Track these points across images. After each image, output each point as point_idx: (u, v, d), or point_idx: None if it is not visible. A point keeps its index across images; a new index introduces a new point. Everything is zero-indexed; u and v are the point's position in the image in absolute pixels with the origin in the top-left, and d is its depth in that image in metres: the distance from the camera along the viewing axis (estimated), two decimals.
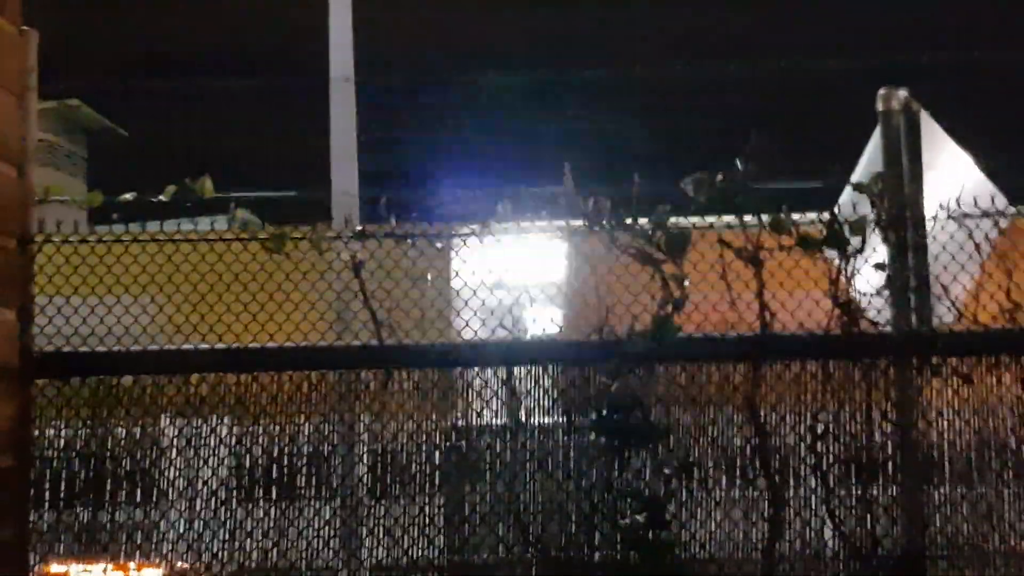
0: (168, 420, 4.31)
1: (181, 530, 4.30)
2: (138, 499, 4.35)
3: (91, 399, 4.25)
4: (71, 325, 4.21)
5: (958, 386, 4.16)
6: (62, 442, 4.27)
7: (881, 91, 4.91)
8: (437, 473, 4.32)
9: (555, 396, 4.26)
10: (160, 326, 4.26)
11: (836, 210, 4.42)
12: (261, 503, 4.31)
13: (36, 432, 4.21)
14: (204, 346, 4.21)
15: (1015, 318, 4.11)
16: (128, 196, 4.33)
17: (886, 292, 4.25)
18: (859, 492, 4.18)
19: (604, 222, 4.24)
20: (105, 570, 4.25)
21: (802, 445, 4.19)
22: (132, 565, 4.30)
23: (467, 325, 4.26)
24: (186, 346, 4.22)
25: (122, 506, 4.34)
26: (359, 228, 4.29)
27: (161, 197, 4.28)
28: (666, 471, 4.18)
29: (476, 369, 4.27)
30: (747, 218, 4.20)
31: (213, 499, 4.27)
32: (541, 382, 4.26)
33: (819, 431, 4.18)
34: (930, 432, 4.20)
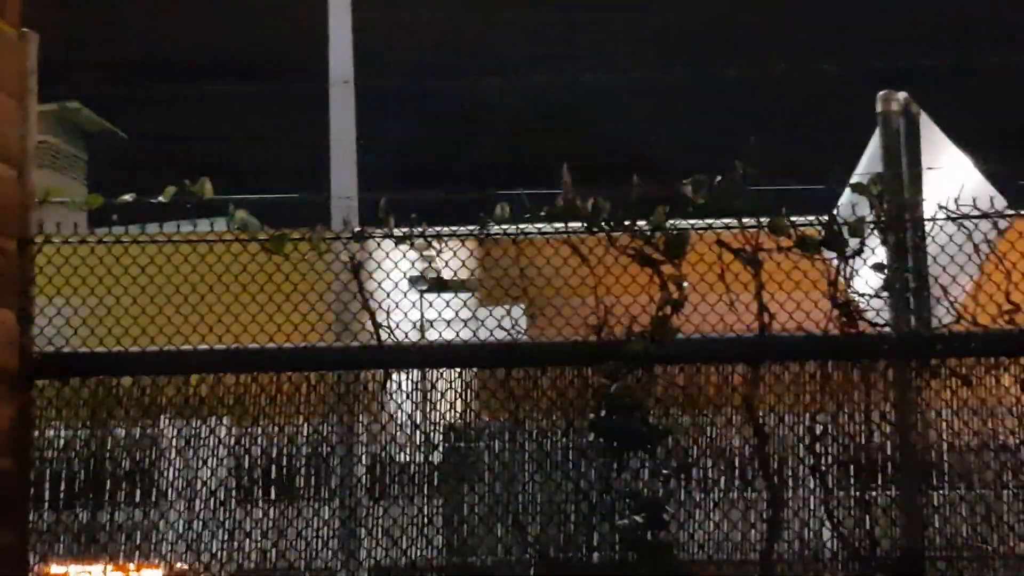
0: (168, 421, 4.31)
1: (180, 531, 4.30)
2: (137, 500, 4.36)
3: (91, 400, 4.26)
4: (70, 326, 4.21)
5: (957, 387, 4.16)
6: (62, 443, 4.27)
7: (880, 93, 4.92)
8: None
9: (553, 397, 4.26)
10: (160, 327, 4.26)
11: (836, 211, 4.43)
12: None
13: (36, 433, 4.20)
14: (203, 347, 4.22)
15: (1014, 319, 4.11)
16: (127, 197, 4.34)
17: (885, 293, 4.25)
18: (858, 493, 4.18)
19: (603, 223, 4.25)
20: (105, 571, 4.26)
21: (801, 446, 4.19)
22: (131, 566, 4.30)
23: (448, 326, 4.27)
24: (185, 347, 4.23)
25: (121, 507, 4.34)
26: (357, 229, 4.29)
27: (160, 198, 4.28)
28: (664, 472, 4.18)
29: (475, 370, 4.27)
30: (746, 220, 4.20)
31: (211, 499, 4.28)
32: (540, 384, 4.27)
33: (818, 432, 4.18)
34: (929, 433, 4.21)
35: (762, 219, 4.21)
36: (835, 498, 4.18)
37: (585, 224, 4.27)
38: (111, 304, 4.26)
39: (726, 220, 4.26)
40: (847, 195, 4.86)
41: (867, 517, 4.17)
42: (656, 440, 4.16)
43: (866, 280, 4.31)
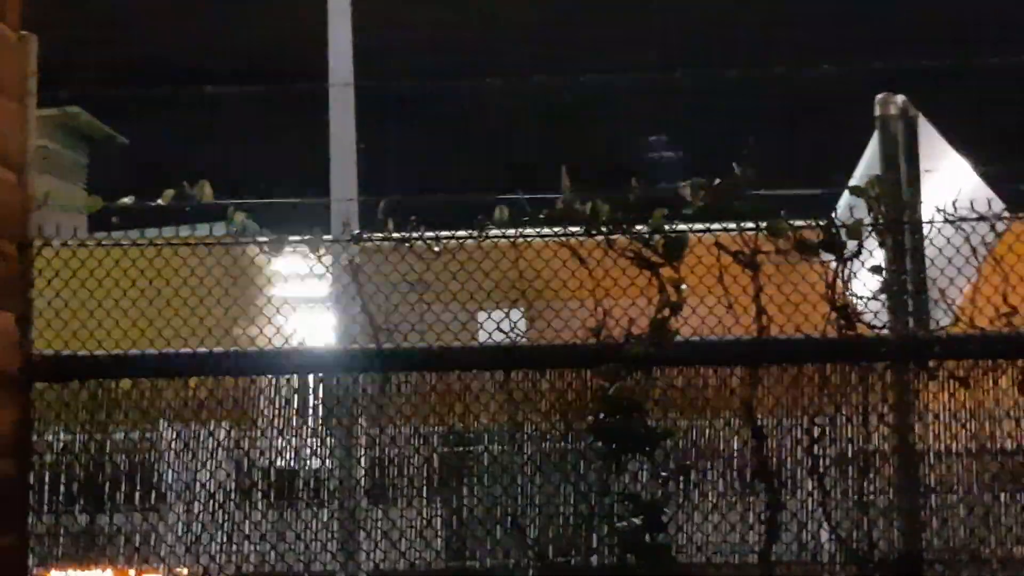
0: (166, 424, 4.32)
1: (180, 534, 4.31)
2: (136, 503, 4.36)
3: (89, 402, 4.26)
4: (69, 329, 4.22)
5: (955, 389, 4.17)
6: (61, 446, 4.28)
7: (878, 97, 4.93)
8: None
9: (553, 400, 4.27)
10: (159, 329, 4.27)
11: (835, 214, 4.43)
12: None
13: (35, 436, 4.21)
14: (202, 349, 4.23)
15: (1011, 322, 4.12)
16: (127, 200, 4.34)
17: (883, 296, 4.26)
18: (856, 496, 4.19)
19: (601, 227, 4.25)
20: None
21: (799, 449, 4.20)
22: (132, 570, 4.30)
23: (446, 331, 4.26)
24: (184, 349, 4.24)
25: (121, 510, 4.35)
26: (356, 232, 4.30)
27: (159, 201, 4.29)
28: (663, 474, 4.19)
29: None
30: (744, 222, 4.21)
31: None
32: (539, 386, 4.27)
33: (816, 434, 4.19)
34: (927, 435, 4.21)
35: (760, 222, 4.21)
36: (834, 500, 4.18)
37: (584, 227, 4.27)
38: (110, 307, 4.27)
39: (725, 223, 4.27)
40: (846, 198, 4.87)
41: (865, 520, 4.17)
42: (655, 442, 4.16)
43: (866, 283, 4.32)
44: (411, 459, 4.34)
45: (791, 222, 4.22)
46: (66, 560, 4.27)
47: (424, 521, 4.32)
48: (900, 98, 4.99)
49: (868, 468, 4.19)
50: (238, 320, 4.32)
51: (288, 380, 4.39)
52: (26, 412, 4.08)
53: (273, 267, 4.34)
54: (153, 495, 4.37)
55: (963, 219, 4.18)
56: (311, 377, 4.35)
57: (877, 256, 4.36)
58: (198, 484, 4.31)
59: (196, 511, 4.30)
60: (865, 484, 4.19)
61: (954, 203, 4.23)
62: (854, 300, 4.25)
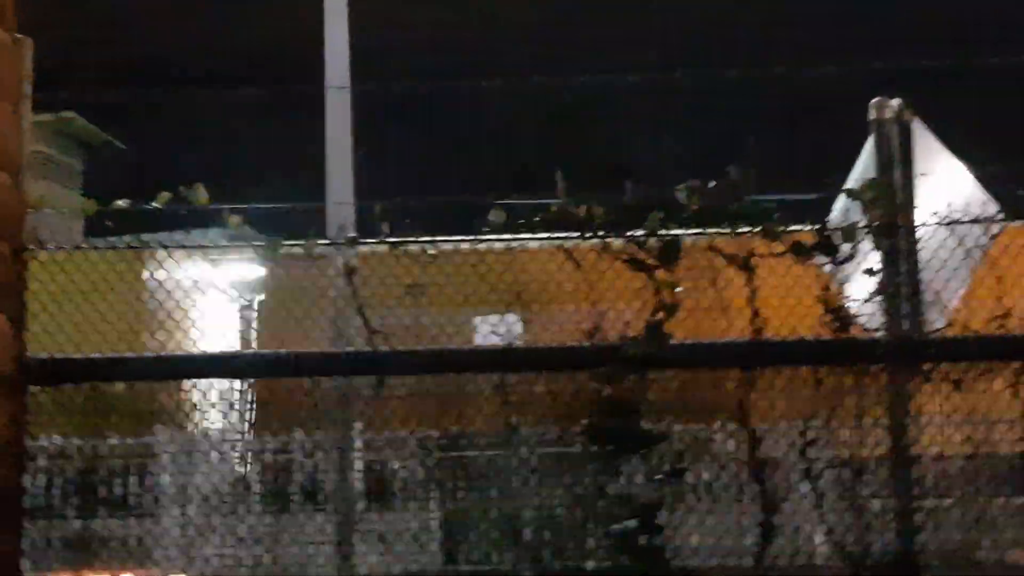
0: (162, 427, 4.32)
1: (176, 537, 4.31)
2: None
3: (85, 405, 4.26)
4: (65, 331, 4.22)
5: (949, 392, 4.17)
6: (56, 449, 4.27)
7: (873, 101, 4.93)
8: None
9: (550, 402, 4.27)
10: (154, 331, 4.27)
11: (830, 217, 4.44)
12: None
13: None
14: (195, 352, 4.23)
15: (1005, 324, 4.12)
16: (121, 203, 4.34)
17: (878, 298, 4.26)
18: (850, 497, 4.19)
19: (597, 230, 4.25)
20: None
21: (794, 450, 4.19)
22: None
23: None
24: (178, 352, 4.24)
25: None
26: (351, 236, 4.30)
27: (155, 204, 4.28)
28: (657, 477, 4.18)
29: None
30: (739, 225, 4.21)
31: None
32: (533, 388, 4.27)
33: (811, 436, 4.19)
34: (921, 437, 4.21)
35: (755, 225, 4.22)
36: (828, 502, 4.18)
37: (579, 231, 4.27)
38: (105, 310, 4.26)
39: (720, 226, 4.26)
40: (842, 201, 4.87)
41: (860, 521, 4.17)
42: (650, 444, 4.16)
43: (861, 285, 4.32)
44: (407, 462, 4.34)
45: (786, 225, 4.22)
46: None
47: (420, 524, 4.32)
48: (895, 102, 4.99)
49: (862, 470, 4.19)
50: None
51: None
52: (20, 415, 4.07)
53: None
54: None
55: (957, 222, 4.19)
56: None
57: (873, 259, 4.36)
58: None
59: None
60: (859, 486, 4.18)
61: (949, 206, 4.24)
62: (849, 302, 4.25)
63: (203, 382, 4.26)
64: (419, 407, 4.32)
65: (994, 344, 4.14)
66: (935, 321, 4.27)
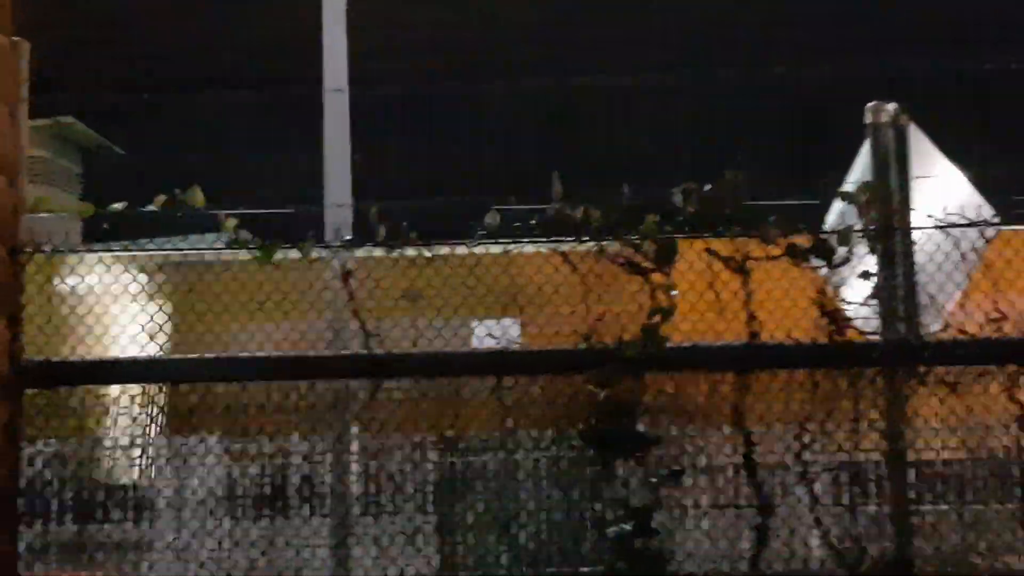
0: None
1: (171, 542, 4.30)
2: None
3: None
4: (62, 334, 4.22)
5: (945, 395, 4.18)
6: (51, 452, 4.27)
7: (869, 105, 4.94)
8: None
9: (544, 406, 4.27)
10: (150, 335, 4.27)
11: (826, 221, 4.45)
12: None
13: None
14: (192, 355, 4.23)
15: (1001, 327, 4.13)
16: (118, 206, 4.34)
17: (874, 301, 4.26)
18: (846, 501, 4.19)
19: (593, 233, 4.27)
20: None
21: (789, 454, 4.20)
22: None
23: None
24: (175, 355, 4.24)
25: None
26: (347, 238, 4.31)
27: (151, 207, 4.29)
28: (652, 480, 4.19)
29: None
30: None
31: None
32: (530, 391, 4.28)
33: (806, 440, 4.19)
34: (917, 441, 4.22)
35: (750, 228, 4.22)
36: (823, 506, 4.18)
37: (575, 234, 4.28)
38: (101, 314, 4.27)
39: (716, 229, 4.27)
40: (839, 205, 4.88)
41: (855, 526, 4.17)
42: (646, 447, 4.17)
43: (857, 289, 4.33)
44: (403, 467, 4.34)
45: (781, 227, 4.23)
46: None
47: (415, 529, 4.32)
48: (891, 106, 5.00)
49: (858, 474, 4.19)
50: None
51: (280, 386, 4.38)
52: (16, 417, 4.08)
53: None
54: None
55: (951, 225, 4.20)
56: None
57: (870, 262, 4.37)
58: None
59: None
60: (855, 489, 4.19)
61: (944, 209, 4.25)
62: (845, 305, 4.26)
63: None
64: (413, 412, 4.32)
65: (990, 347, 4.15)
66: (931, 324, 4.28)
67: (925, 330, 4.30)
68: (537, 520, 4.27)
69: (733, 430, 4.21)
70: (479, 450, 4.32)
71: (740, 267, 4.21)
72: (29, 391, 4.16)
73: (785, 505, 4.20)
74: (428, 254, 4.31)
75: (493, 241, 4.34)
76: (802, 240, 4.25)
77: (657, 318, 4.19)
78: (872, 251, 4.33)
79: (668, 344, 4.17)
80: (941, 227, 4.22)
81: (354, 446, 4.40)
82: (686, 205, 4.27)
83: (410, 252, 4.32)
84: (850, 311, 4.29)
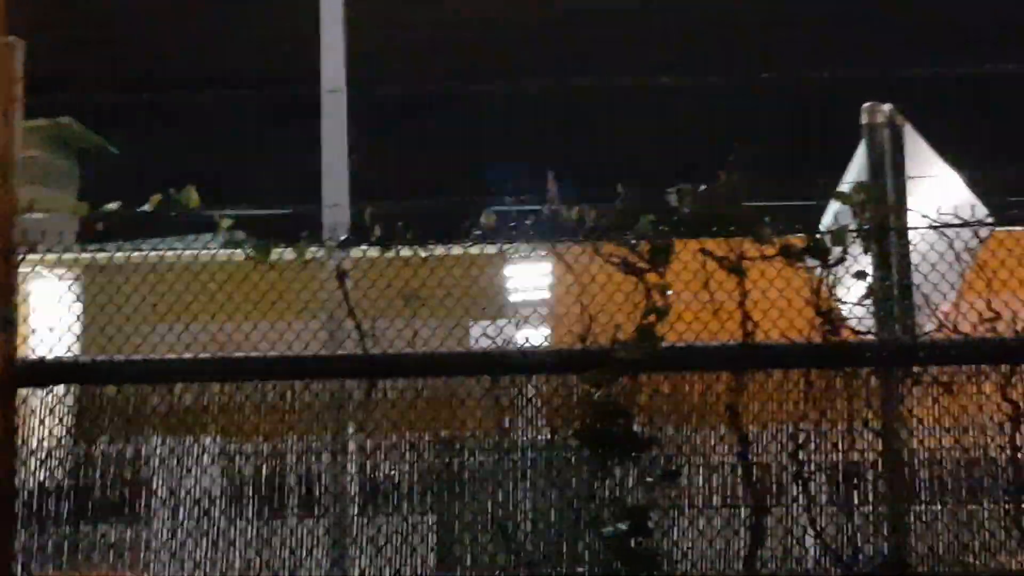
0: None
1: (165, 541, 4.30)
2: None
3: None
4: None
5: (939, 394, 4.18)
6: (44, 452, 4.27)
7: (865, 105, 4.95)
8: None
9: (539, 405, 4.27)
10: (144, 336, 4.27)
11: (822, 221, 4.45)
12: None
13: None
14: (187, 355, 4.23)
15: (995, 327, 4.13)
16: (112, 205, 4.34)
17: (868, 301, 4.27)
18: (841, 501, 4.19)
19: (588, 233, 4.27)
20: None
21: (784, 454, 4.20)
22: None
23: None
24: (169, 355, 4.24)
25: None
26: (343, 238, 4.31)
27: (146, 207, 4.29)
28: (648, 480, 4.19)
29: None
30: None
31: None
32: (525, 392, 4.29)
33: (801, 440, 4.19)
34: (911, 440, 4.22)
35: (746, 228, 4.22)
36: (818, 506, 4.19)
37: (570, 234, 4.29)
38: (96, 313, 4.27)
39: (711, 230, 4.27)
40: (835, 206, 4.88)
41: (850, 525, 4.17)
42: (641, 447, 4.17)
43: (852, 288, 4.33)
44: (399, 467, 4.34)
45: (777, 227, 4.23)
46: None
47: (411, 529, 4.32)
48: (887, 107, 5.01)
49: (853, 473, 4.19)
50: None
51: (275, 386, 4.38)
52: (10, 417, 4.08)
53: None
54: None
55: (947, 225, 4.20)
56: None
57: (866, 262, 4.37)
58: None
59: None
60: (850, 489, 4.19)
61: (938, 210, 4.25)
62: (840, 305, 4.26)
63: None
64: (409, 412, 4.32)
65: (984, 347, 4.15)
66: (925, 324, 4.28)
67: (920, 330, 4.30)
68: (533, 520, 4.27)
69: (728, 430, 4.21)
70: (475, 450, 4.32)
71: (735, 267, 4.21)
72: (22, 390, 4.16)
73: (780, 505, 4.20)
74: (423, 254, 4.32)
75: (488, 242, 4.34)
76: (797, 240, 4.26)
77: (652, 318, 4.19)
78: (867, 251, 4.34)
79: (663, 344, 4.17)
80: (936, 227, 4.22)
81: (351, 446, 4.40)
82: (681, 205, 4.27)
83: (405, 252, 4.32)
84: (845, 311, 4.29)
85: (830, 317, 4.18)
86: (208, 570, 4.23)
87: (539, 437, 4.29)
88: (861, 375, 4.19)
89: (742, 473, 4.19)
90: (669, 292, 4.20)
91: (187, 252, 4.36)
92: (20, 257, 4.19)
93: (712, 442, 4.23)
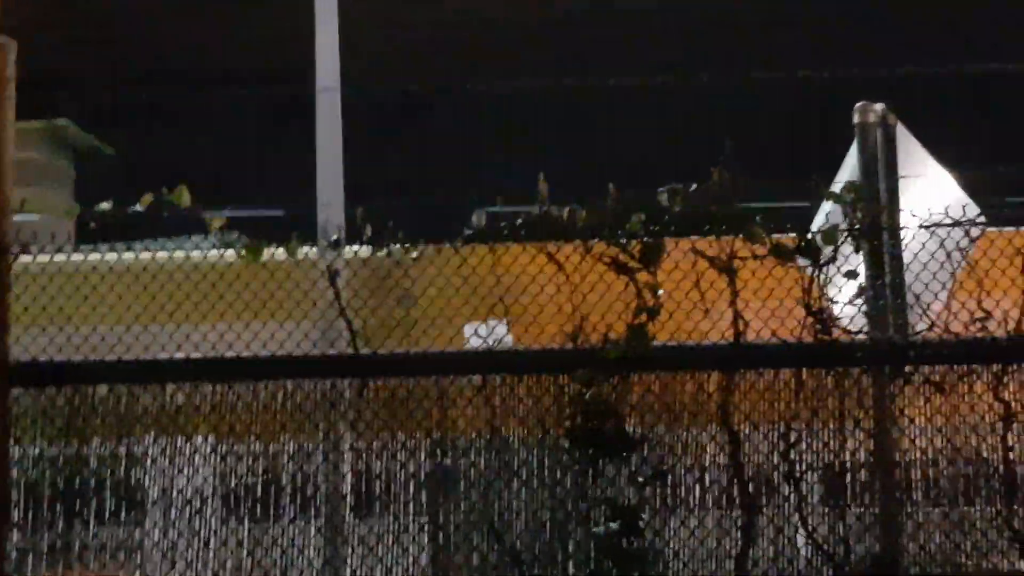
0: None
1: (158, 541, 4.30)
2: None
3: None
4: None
5: (930, 394, 4.18)
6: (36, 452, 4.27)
7: (857, 105, 4.95)
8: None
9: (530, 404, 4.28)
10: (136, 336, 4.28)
11: (814, 221, 4.46)
12: None
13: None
14: (180, 356, 4.23)
15: (986, 327, 4.13)
16: (105, 205, 4.34)
17: (859, 301, 4.27)
18: (832, 501, 4.20)
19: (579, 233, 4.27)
20: None
21: (775, 454, 4.20)
22: None
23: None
24: (162, 356, 4.24)
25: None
26: (335, 238, 4.31)
27: (137, 207, 4.29)
28: (639, 479, 4.19)
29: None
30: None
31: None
32: (516, 391, 4.29)
33: (792, 440, 4.20)
34: (902, 440, 4.22)
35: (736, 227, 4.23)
36: (809, 506, 4.19)
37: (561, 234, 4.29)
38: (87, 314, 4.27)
39: (703, 229, 4.28)
40: (828, 205, 4.88)
41: (841, 525, 4.18)
42: (632, 447, 4.17)
43: (840, 288, 4.33)
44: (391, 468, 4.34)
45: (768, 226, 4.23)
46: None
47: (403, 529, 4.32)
48: (879, 106, 5.01)
49: (844, 473, 4.20)
50: None
51: (267, 386, 4.38)
52: (3, 417, 4.08)
53: None
54: None
55: (938, 225, 4.20)
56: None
57: (857, 262, 4.38)
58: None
59: None
60: (841, 489, 4.19)
61: (930, 210, 4.25)
62: (831, 305, 4.26)
63: None
64: (400, 412, 4.33)
65: (976, 347, 4.15)
66: (917, 324, 4.28)
67: (911, 329, 4.30)
68: (524, 520, 4.27)
69: (720, 430, 4.21)
70: (466, 450, 4.32)
71: (726, 267, 4.21)
72: (15, 391, 4.16)
73: (771, 504, 4.20)
74: (415, 254, 4.32)
75: (480, 242, 4.35)
76: (788, 240, 4.26)
77: (643, 317, 4.20)
78: (858, 250, 4.34)
79: (654, 343, 4.18)
80: (927, 227, 4.22)
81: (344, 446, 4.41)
82: (672, 205, 4.28)
83: (397, 251, 4.32)
84: (836, 310, 4.29)
85: (821, 317, 4.19)
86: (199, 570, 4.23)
87: (530, 437, 4.29)
88: (852, 375, 4.19)
89: (733, 473, 4.19)
90: (660, 292, 4.20)
91: (171, 254, 4.37)
92: (13, 257, 4.19)
93: (703, 442, 4.23)
